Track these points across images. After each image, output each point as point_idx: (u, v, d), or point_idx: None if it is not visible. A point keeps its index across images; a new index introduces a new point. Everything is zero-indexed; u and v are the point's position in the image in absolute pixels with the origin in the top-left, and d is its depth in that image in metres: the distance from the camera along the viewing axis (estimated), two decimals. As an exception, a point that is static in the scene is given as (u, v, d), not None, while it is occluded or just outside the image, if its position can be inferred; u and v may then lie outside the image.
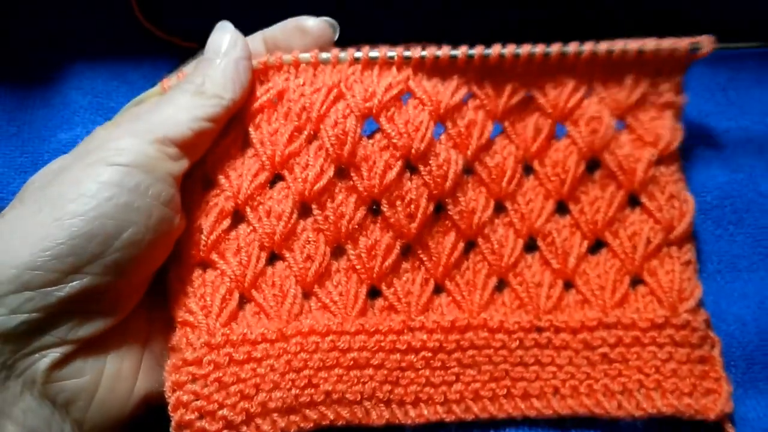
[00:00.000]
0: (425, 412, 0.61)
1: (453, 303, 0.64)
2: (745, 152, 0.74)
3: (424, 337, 0.62)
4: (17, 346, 0.51)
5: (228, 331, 0.58)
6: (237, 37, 0.61)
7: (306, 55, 0.62)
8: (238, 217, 0.62)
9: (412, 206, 0.63)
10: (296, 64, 0.62)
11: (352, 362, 0.60)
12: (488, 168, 0.65)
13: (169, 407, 0.56)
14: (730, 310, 0.69)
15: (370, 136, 0.63)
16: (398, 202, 0.63)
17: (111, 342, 0.56)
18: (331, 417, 0.58)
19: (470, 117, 0.65)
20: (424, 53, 0.63)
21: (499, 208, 0.67)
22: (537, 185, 0.67)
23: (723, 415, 0.62)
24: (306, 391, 0.58)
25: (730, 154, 0.74)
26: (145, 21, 0.78)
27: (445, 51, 0.63)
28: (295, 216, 0.62)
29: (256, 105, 0.62)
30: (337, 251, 0.63)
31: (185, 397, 0.56)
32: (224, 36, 0.61)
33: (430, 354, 0.62)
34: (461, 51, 0.63)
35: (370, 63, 0.63)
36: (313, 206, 0.62)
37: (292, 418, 0.58)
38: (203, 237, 0.60)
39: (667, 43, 0.64)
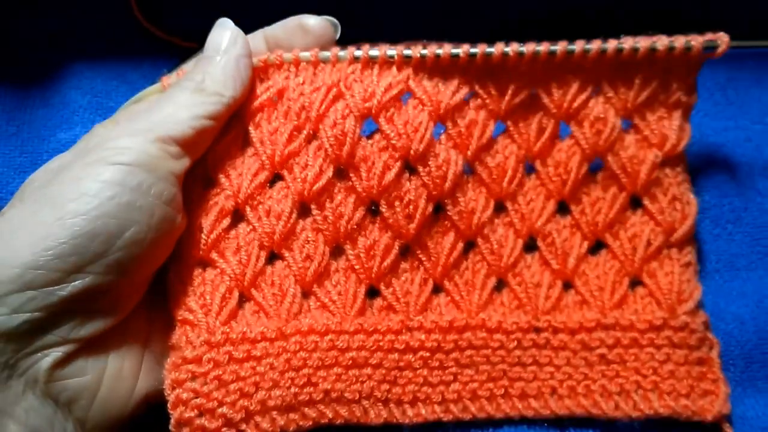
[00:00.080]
0: (423, 411, 0.61)
1: (452, 303, 0.64)
2: (743, 151, 0.74)
3: (422, 336, 0.62)
4: (19, 345, 0.50)
5: (228, 330, 0.58)
6: (237, 34, 0.61)
7: (306, 54, 0.62)
8: (238, 216, 0.62)
9: (411, 207, 0.63)
10: (296, 62, 0.62)
11: (350, 361, 0.60)
12: (489, 168, 0.65)
13: (169, 405, 0.56)
14: (729, 309, 0.69)
15: (369, 137, 0.63)
16: (397, 203, 0.63)
17: (112, 341, 0.56)
18: (330, 415, 0.59)
19: (471, 117, 0.64)
20: (424, 52, 0.62)
21: (500, 208, 0.66)
22: (538, 185, 0.66)
23: (720, 417, 0.62)
24: (305, 390, 0.58)
25: (728, 154, 0.74)
26: (144, 21, 0.78)
27: (446, 50, 0.62)
28: (294, 216, 0.62)
29: (256, 103, 0.62)
30: (336, 251, 0.64)
31: (185, 395, 0.56)
32: (224, 33, 0.60)
33: (428, 354, 0.62)
34: (463, 50, 0.62)
35: (370, 62, 0.62)
36: (312, 206, 0.62)
37: (291, 416, 0.58)
38: (203, 236, 0.60)
39: (681, 41, 0.62)
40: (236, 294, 0.60)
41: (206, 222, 0.60)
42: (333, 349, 0.60)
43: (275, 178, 0.63)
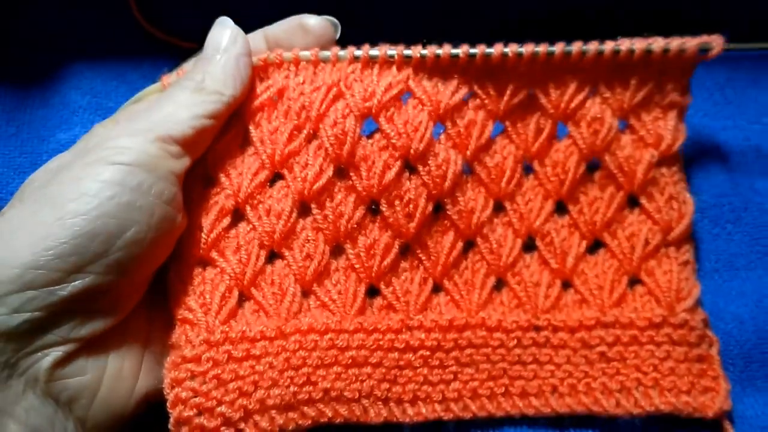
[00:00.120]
0: (423, 410, 0.61)
1: (451, 302, 0.64)
2: (742, 151, 0.75)
3: (423, 335, 0.62)
4: (20, 345, 0.50)
5: (227, 329, 0.58)
6: (237, 33, 0.61)
7: (306, 53, 0.62)
8: (238, 215, 0.62)
9: (411, 206, 0.63)
10: (296, 61, 0.62)
11: (350, 360, 0.60)
12: (487, 168, 0.65)
13: (168, 404, 0.56)
14: (728, 309, 0.69)
15: (369, 136, 0.64)
16: (397, 202, 0.63)
17: (112, 341, 0.56)
18: (330, 414, 0.58)
19: (470, 117, 0.65)
20: (424, 52, 0.62)
21: (498, 208, 0.67)
22: (536, 185, 0.67)
23: (721, 413, 0.62)
24: (304, 389, 0.58)
25: (727, 153, 0.74)
26: (143, 21, 0.78)
27: (446, 50, 0.62)
28: (294, 215, 0.62)
29: (257, 103, 0.62)
30: (336, 250, 0.64)
31: (184, 394, 0.56)
32: (224, 32, 0.60)
33: (428, 353, 0.62)
34: (462, 50, 0.62)
35: (370, 62, 0.63)
36: (313, 205, 0.62)
37: (291, 415, 0.58)
38: (203, 235, 0.60)
39: (676, 43, 0.62)
40: (236, 293, 0.60)
41: (206, 221, 0.60)
42: (332, 348, 0.60)
43: (275, 177, 0.63)
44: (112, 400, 0.55)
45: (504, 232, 0.66)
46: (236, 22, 0.62)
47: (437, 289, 0.65)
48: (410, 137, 0.62)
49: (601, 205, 0.66)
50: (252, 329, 0.59)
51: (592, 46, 0.62)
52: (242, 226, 0.62)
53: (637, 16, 0.80)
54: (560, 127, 0.67)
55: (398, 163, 0.62)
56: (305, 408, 0.58)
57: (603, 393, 0.62)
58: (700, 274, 0.67)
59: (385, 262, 0.63)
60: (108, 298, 0.53)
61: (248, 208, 0.61)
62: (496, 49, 0.62)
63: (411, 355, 0.61)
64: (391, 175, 0.62)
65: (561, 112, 0.65)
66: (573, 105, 0.65)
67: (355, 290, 0.62)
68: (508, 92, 0.64)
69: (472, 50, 0.62)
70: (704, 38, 0.63)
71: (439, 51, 0.62)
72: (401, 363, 0.61)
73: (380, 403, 0.60)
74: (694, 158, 0.74)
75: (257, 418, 0.57)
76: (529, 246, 0.67)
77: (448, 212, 0.65)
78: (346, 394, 0.59)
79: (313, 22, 0.63)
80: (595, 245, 0.67)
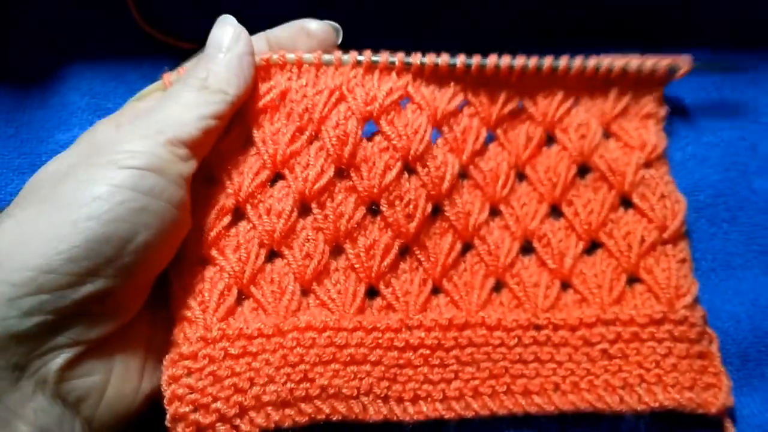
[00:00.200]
0: (424, 408, 0.60)
1: (451, 303, 0.64)
2: (738, 151, 0.75)
3: (422, 334, 0.62)
4: (30, 347, 0.50)
5: (224, 326, 0.59)
6: (240, 31, 0.61)
7: (309, 56, 0.64)
8: (238, 214, 0.62)
9: (411, 206, 0.64)
10: (299, 64, 0.64)
11: (348, 358, 0.59)
12: (483, 172, 0.67)
13: (165, 400, 0.56)
14: (725, 308, 0.69)
15: (370, 139, 0.65)
16: (397, 202, 0.63)
17: (119, 341, 0.56)
18: (327, 411, 0.58)
19: (465, 123, 0.67)
20: (424, 60, 0.65)
21: (495, 213, 0.68)
22: (530, 190, 0.68)
23: (724, 409, 0.62)
24: (301, 386, 0.58)
25: (723, 153, 0.75)
26: (142, 22, 0.78)
27: (444, 59, 0.65)
28: (295, 214, 0.62)
29: (259, 104, 0.63)
30: (336, 251, 0.64)
31: (180, 391, 0.56)
32: (227, 30, 0.61)
33: (428, 351, 0.61)
34: (459, 60, 0.65)
35: (371, 67, 0.65)
36: (313, 205, 0.63)
37: (287, 411, 0.57)
38: (204, 234, 0.60)
39: (650, 62, 0.68)
40: (235, 291, 0.60)
41: (207, 220, 0.61)
42: (331, 346, 0.59)
43: (276, 177, 0.63)
44: (119, 399, 0.55)
45: (501, 235, 0.67)
46: (235, 23, 0.62)
47: (436, 291, 0.65)
48: (410, 139, 0.64)
49: (595, 205, 0.67)
50: (249, 326, 0.59)
51: (577, 62, 0.67)
52: (242, 225, 0.62)
53: (628, 16, 0.80)
54: (550, 139, 0.70)
55: (398, 164, 0.64)
56: (302, 405, 0.58)
57: (606, 390, 0.62)
58: (696, 273, 0.67)
59: (385, 263, 0.63)
60: (116, 300, 0.53)
61: (249, 207, 0.62)
62: (490, 61, 0.66)
63: (411, 354, 0.61)
64: (391, 175, 0.63)
65: (549, 120, 0.69)
66: (560, 113, 0.69)
67: (355, 290, 0.62)
68: (500, 101, 0.68)
69: (468, 61, 0.65)
70: (674, 59, 0.69)
71: (438, 60, 0.65)
72: (401, 362, 0.61)
73: (380, 401, 0.60)
74: (690, 158, 0.74)
75: (253, 414, 0.57)
76: (527, 250, 0.67)
77: (446, 214, 0.65)
78: (344, 391, 0.59)
79: (315, 26, 0.64)
80: (593, 248, 0.67)
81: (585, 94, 0.69)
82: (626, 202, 0.68)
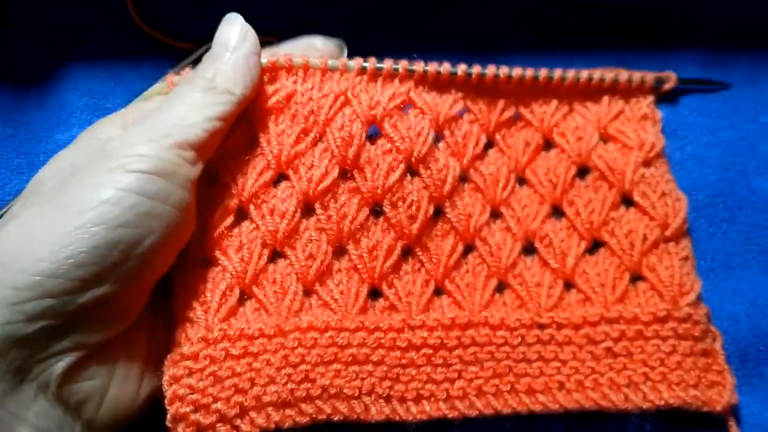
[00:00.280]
0: (427, 408, 0.60)
1: (454, 304, 0.65)
2: (737, 150, 0.75)
3: (425, 334, 0.62)
4: (33, 351, 0.50)
5: (226, 327, 0.58)
6: (247, 30, 0.61)
7: (316, 61, 0.64)
8: (241, 214, 0.62)
9: (414, 207, 0.64)
10: (305, 67, 0.64)
11: (350, 358, 0.59)
12: (483, 176, 0.68)
13: (166, 400, 0.56)
14: (724, 308, 0.69)
15: (373, 142, 0.65)
16: (400, 203, 0.64)
17: (120, 344, 0.56)
18: (328, 411, 0.58)
19: (466, 129, 0.68)
20: (427, 68, 0.67)
21: (497, 216, 0.68)
22: (531, 192, 0.69)
23: (728, 407, 0.62)
24: (302, 386, 0.58)
25: (722, 153, 0.75)
26: (141, 22, 0.78)
27: (445, 67, 0.67)
28: (298, 215, 0.62)
29: (264, 106, 0.63)
30: (339, 252, 0.64)
31: (181, 391, 0.56)
32: (233, 29, 0.60)
33: (431, 351, 0.61)
34: (461, 68, 0.67)
35: (375, 74, 0.66)
36: (317, 206, 0.63)
37: (288, 412, 0.57)
38: (207, 234, 0.60)
39: (637, 76, 0.71)
40: (237, 291, 0.60)
41: (210, 220, 0.61)
42: (332, 346, 0.59)
43: (279, 178, 0.64)
44: (120, 402, 0.55)
45: (503, 236, 0.67)
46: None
47: (439, 292, 0.65)
48: (413, 141, 0.65)
49: (596, 205, 0.68)
50: (251, 327, 0.59)
51: (571, 73, 0.69)
52: (245, 225, 0.62)
53: (632, 16, 0.81)
54: (548, 143, 0.71)
55: (401, 166, 0.64)
56: (303, 405, 0.57)
57: (611, 388, 0.62)
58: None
59: (388, 264, 0.63)
60: (120, 304, 0.53)
61: (252, 207, 0.62)
62: (489, 70, 0.68)
63: (414, 354, 0.61)
64: (395, 177, 0.64)
65: (546, 125, 0.70)
66: (556, 119, 0.70)
67: (357, 290, 0.62)
68: (498, 108, 0.70)
69: (470, 70, 0.67)
70: (660, 74, 0.72)
71: (440, 68, 0.67)
72: (404, 361, 0.61)
73: (382, 401, 0.59)
74: (689, 158, 0.74)
75: (253, 414, 0.56)
76: (529, 251, 0.68)
77: (448, 216, 0.66)
78: (345, 391, 0.58)
79: (321, 44, 0.67)
80: (595, 247, 0.68)
81: (579, 101, 0.71)
82: (627, 201, 0.69)
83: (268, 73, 0.64)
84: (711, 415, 0.62)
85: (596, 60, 0.75)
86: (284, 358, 0.58)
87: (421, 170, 0.65)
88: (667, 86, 0.72)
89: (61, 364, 0.51)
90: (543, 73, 0.68)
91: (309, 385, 0.58)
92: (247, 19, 0.62)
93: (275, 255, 0.63)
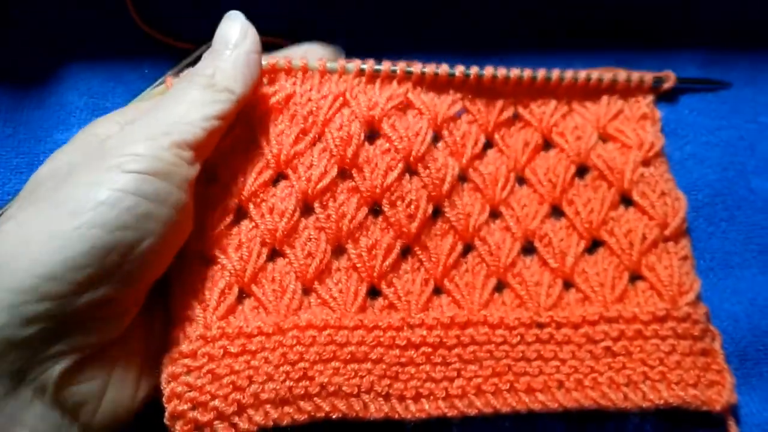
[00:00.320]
0: (426, 406, 0.60)
1: (453, 303, 0.64)
2: (736, 150, 0.75)
3: (424, 333, 0.61)
4: (30, 354, 0.49)
5: (224, 325, 0.58)
6: (247, 28, 0.60)
7: (315, 63, 0.65)
8: (241, 213, 0.62)
9: (413, 206, 0.64)
10: (305, 69, 0.65)
11: (349, 356, 0.59)
12: (482, 176, 0.68)
13: (164, 398, 0.56)
14: (723, 307, 0.69)
15: (372, 142, 0.66)
16: (399, 203, 0.64)
17: (117, 346, 0.55)
18: (327, 409, 0.57)
19: (464, 129, 0.69)
20: (425, 69, 0.67)
21: (496, 216, 0.68)
22: (531, 192, 0.69)
23: (728, 406, 0.62)
24: (301, 384, 0.58)
25: (721, 152, 0.75)
26: (141, 22, 0.78)
27: (443, 68, 0.68)
28: (297, 214, 0.63)
29: (264, 106, 0.63)
30: (338, 251, 0.64)
31: (179, 389, 0.56)
32: (234, 26, 0.60)
33: (430, 350, 0.61)
34: (458, 70, 0.68)
35: (373, 76, 0.66)
36: (316, 205, 0.63)
37: (286, 409, 0.57)
38: (206, 232, 0.60)
39: (636, 75, 0.71)
40: (235, 290, 0.60)
41: (209, 218, 0.61)
42: (331, 344, 0.59)
43: (278, 177, 0.64)
44: (117, 403, 0.55)
45: (502, 236, 0.67)
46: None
47: (438, 291, 0.65)
48: (411, 141, 0.65)
49: (595, 204, 0.68)
50: (249, 325, 0.59)
51: (569, 74, 0.70)
52: (245, 224, 0.62)
53: (630, 15, 0.81)
54: (547, 143, 0.71)
55: (400, 165, 0.65)
56: (301, 402, 0.57)
57: (610, 387, 0.62)
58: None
59: (387, 263, 0.63)
60: (117, 306, 0.53)
61: (251, 205, 0.62)
62: (487, 71, 0.68)
63: (413, 352, 0.61)
64: (393, 176, 0.64)
65: (545, 125, 0.70)
66: (554, 119, 0.71)
67: (356, 289, 0.63)
68: (497, 108, 0.70)
69: (467, 71, 0.68)
70: (659, 73, 0.73)
71: (438, 69, 0.68)
72: (403, 360, 0.61)
73: (381, 399, 0.59)
74: (689, 157, 0.74)
75: (251, 412, 0.56)
76: (528, 250, 0.68)
77: (446, 215, 0.66)
78: (344, 389, 0.58)
79: (321, 51, 0.68)
80: (594, 247, 0.68)
81: (578, 101, 0.72)
82: (627, 201, 0.69)
83: (268, 74, 0.64)
84: (710, 415, 0.62)
85: (596, 60, 0.75)
86: (283, 355, 0.58)
87: (420, 170, 0.65)
88: (666, 85, 0.73)
89: (58, 367, 0.50)
90: (541, 73, 0.69)
91: (307, 382, 0.58)
92: (247, 19, 0.62)
93: (274, 254, 0.63)
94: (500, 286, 0.66)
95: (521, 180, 0.70)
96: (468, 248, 0.67)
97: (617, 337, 0.63)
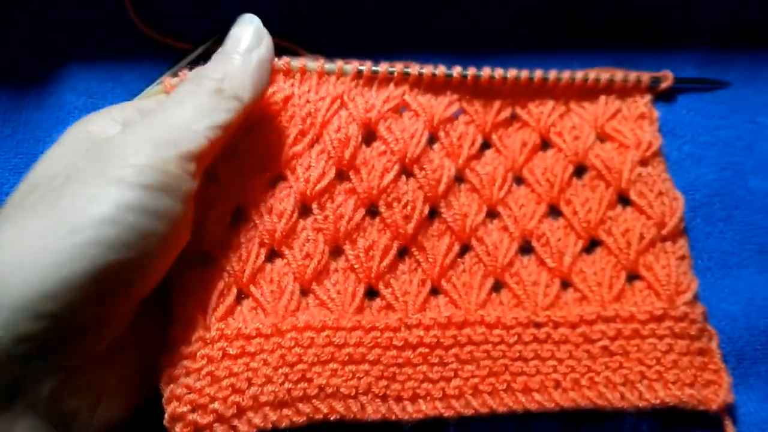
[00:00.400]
0: (423, 407, 0.60)
1: (450, 303, 0.65)
2: (734, 150, 0.75)
3: (421, 333, 0.62)
4: (22, 368, 0.47)
5: (223, 326, 0.58)
6: (262, 33, 0.58)
7: (313, 64, 0.66)
8: (239, 214, 0.63)
9: (409, 207, 0.65)
10: (303, 71, 0.66)
11: (347, 357, 0.59)
12: (479, 176, 0.68)
13: (163, 400, 0.56)
14: (720, 307, 0.69)
15: (368, 145, 0.66)
16: (395, 204, 0.64)
17: (109, 357, 0.54)
18: (325, 411, 0.58)
19: (461, 130, 0.69)
20: (422, 71, 0.68)
21: (493, 216, 0.69)
22: (528, 192, 0.69)
23: (725, 406, 0.62)
24: (299, 385, 0.58)
25: (719, 152, 0.75)
26: (140, 22, 0.78)
27: (441, 69, 0.68)
28: (296, 215, 0.63)
29: (262, 107, 0.63)
30: (336, 252, 0.64)
31: (178, 391, 0.56)
32: (248, 30, 0.58)
33: (427, 350, 0.61)
34: (456, 71, 0.68)
35: (371, 78, 0.67)
36: (314, 206, 0.63)
37: (285, 411, 0.57)
38: (204, 233, 0.60)
39: (633, 75, 0.72)
40: (234, 291, 0.60)
41: (207, 219, 0.61)
42: (329, 345, 0.60)
43: (277, 179, 0.64)
44: (111, 413, 0.55)
45: (499, 236, 0.67)
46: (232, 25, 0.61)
47: (435, 292, 0.65)
48: (407, 143, 0.65)
49: (593, 204, 0.68)
50: (248, 326, 0.59)
51: (566, 74, 0.70)
52: (243, 225, 0.62)
53: (630, 15, 0.81)
54: (545, 144, 0.71)
55: (396, 166, 0.65)
56: (300, 404, 0.57)
57: (607, 387, 0.62)
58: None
59: (384, 263, 0.64)
60: (110, 319, 0.51)
61: (250, 207, 0.62)
62: (485, 72, 0.68)
63: (410, 353, 0.61)
64: (389, 177, 0.65)
65: (543, 125, 0.71)
66: (552, 119, 0.71)
67: (354, 290, 0.63)
68: (495, 109, 0.70)
69: (464, 72, 0.68)
70: (657, 73, 0.73)
71: (435, 70, 0.68)
72: (400, 360, 0.61)
73: (378, 400, 0.60)
74: (687, 157, 0.74)
75: (250, 414, 0.56)
76: (526, 250, 0.68)
77: (443, 216, 0.66)
78: (342, 390, 0.59)
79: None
80: (592, 246, 0.68)
81: (576, 101, 0.72)
82: (624, 200, 0.69)
83: None
84: (707, 414, 0.62)
85: (596, 60, 0.75)
86: (281, 357, 0.58)
87: (416, 171, 0.66)
88: (664, 85, 0.73)
89: (50, 382, 0.49)
90: (538, 74, 0.69)
91: (306, 384, 0.58)
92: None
93: (273, 254, 0.63)
94: (497, 286, 0.66)
95: (519, 180, 0.70)
96: (465, 248, 0.67)
97: (614, 336, 0.63)
